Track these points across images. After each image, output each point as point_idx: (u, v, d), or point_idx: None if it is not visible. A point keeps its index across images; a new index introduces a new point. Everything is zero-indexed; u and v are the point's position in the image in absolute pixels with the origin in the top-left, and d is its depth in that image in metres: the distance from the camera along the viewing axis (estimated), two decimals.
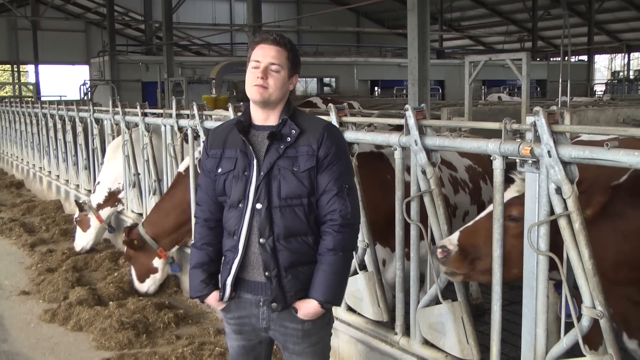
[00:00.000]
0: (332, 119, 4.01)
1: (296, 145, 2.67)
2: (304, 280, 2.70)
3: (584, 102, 13.52)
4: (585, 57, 36.25)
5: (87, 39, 35.95)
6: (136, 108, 7.19)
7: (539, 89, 32.35)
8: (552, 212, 2.80)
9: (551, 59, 35.41)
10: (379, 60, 33.42)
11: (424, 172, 3.55)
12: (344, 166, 2.72)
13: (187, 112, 6.22)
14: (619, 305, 2.77)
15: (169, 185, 6.44)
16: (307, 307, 2.71)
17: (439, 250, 3.08)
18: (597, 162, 2.61)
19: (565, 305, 2.80)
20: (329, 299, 2.71)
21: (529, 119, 2.82)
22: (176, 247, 6.10)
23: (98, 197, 7.81)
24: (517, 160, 2.91)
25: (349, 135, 3.97)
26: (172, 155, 6.57)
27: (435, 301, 3.57)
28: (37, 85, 32.71)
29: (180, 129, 6.34)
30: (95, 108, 9.18)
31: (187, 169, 6.01)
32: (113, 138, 8.42)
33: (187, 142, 6.13)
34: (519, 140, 2.94)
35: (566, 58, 16.04)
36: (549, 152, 2.74)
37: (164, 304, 5.72)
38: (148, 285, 6.07)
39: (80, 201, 8.04)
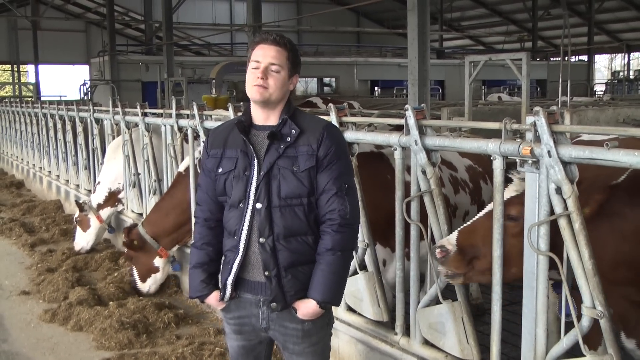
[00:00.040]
0: (332, 118, 4.01)
1: (296, 145, 2.67)
2: (303, 280, 2.70)
3: (584, 102, 13.51)
4: (585, 57, 36.26)
5: (87, 38, 35.95)
6: (136, 108, 7.19)
7: (539, 89, 32.36)
8: (552, 212, 2.80)
9: (551, 59, 35.41)
10: (379, 60, 33.44)
11: (424, 172, 3.55)
12: (344, 166, 2.72)
13: (187, 112, 6.22)
14: (617, 305, 2.77)
15: (169, 185, 6.44)
16: (306, 307, 2.71)
17: (438, 250, 3.08)
18: (597, 162, 2.61)
19: (565, 305, 2.80)
20: (328, 299, 2.71)
21: (529, 119, 2.82)
22: (177, 246, 6.10)
23: (98, 197, 7.81)
24: (517, 160, 2.91)
25: (349, 135, 3.97)
26: (172, 155, 6.57)
27: (435, 301, 3.57)
28: (37, 85, 32.70)
29: (180, 129, 6.34)
30: (95, 108, 9.18)
31: (187, 169, 6.01)
32: (113, 138, 8.42)
33: (187, 142, 6.13)
34: (519, 140, 2.94)
35: (566, 58, 16.04)
36: (549, 152, 2.74)
37: (164, 304, 5.71)
38: (149, 284, 6.07)
39: (81, 201, 8.04)
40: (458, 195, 4.68)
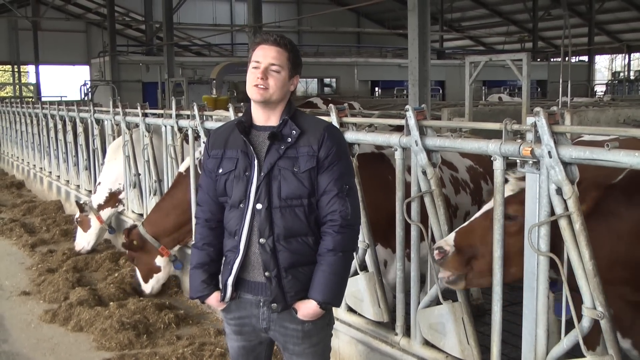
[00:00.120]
0: (333, 119, 4.01)
1: (297, 146, 2.67)
2: (304, 280, 2.70)
3: (585, 102, 13.52)
4: (585, 58, 36.24)
5: (87, 39, 35.93)
6: (137, 108, 7.20)
7: (539, 89, 32.34)
8: (552, 212, 2.80)
9: (552, 60, 35.36)
10: (379, 61, 33.43)
11: (424, 173, 3.55)
12: (345, 167, 2.72)
13: (188, 112, 6.23)
14: (612, 305, 2.77)
15: (170, 186, 6.44)
16: (307, 308, 2.71)
17: (436, 251, 3.08)
18: (597, 163, 2.61)
19: (564, 305, 2.80)
20: (328, 300, 2.71)
21: (530, 120, 2.82)
22: (178, 246, 6.10)
23: (99, 198, 7.81)
24: (518, 161, 2.91)
25: (350, 135, 3.97)
26: (172, 156, 6.57)
27: (435, 302, 3.57)
28: (37, 85, 32.70)
29: (180, 129, 6.34)
30: (95, 108, 9.20)
31: (187, 169, 6.02)
32: (113, 138, 8.42)
33: (187, 142, 6.13)
34: (519, 140, 2.94)
35: (567, 58, 16.06)
36: (549, 152, 2.74)
37: (164, 304, 5.72)
38: (152, 284, 6.08)
39: (81, 202, 8.05)
40: (459, 196, 4.68)
